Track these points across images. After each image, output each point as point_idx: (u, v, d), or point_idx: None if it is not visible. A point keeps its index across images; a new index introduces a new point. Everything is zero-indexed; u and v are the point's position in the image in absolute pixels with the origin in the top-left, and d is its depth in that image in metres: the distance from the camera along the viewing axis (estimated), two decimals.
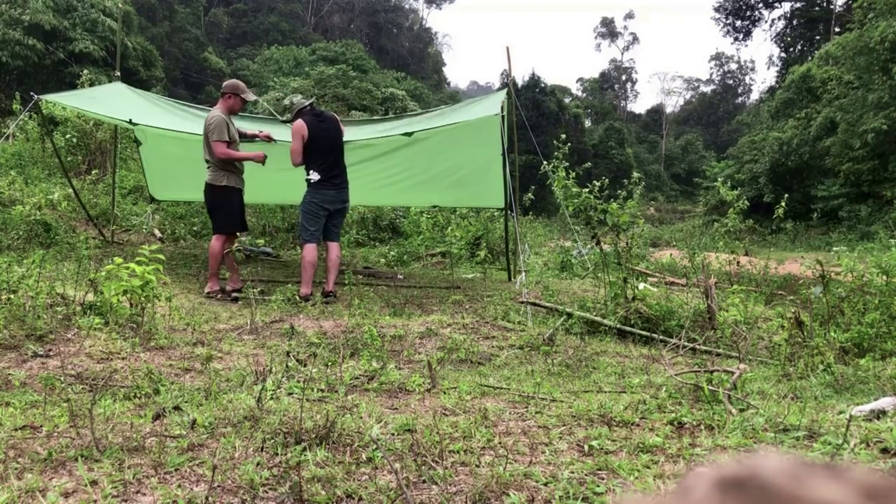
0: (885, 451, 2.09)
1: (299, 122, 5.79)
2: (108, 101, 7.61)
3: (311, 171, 5.82)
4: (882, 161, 23.33)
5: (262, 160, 5.86)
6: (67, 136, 11.15)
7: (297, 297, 5.46)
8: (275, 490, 1.84)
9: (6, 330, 3.41)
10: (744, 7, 49.84)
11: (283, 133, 6.55)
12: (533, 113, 38.59)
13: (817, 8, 42.89)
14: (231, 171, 5.84)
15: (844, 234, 22.27)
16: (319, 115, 5.90)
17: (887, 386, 3.06)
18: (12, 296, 3.77)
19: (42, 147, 11.54)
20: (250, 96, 6.06)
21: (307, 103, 5.97)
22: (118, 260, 4.08)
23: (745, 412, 2.54)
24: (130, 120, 6.91)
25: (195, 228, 10.17)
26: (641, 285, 5.90)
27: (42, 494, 1.76)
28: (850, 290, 4.60)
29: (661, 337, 4.48)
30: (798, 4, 44.16)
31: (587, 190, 5.48)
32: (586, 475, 1.97)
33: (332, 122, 5.92)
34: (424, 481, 1.92)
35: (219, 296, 5.77)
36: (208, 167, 5.83)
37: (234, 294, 5.76)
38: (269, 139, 6.23)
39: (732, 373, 2.91)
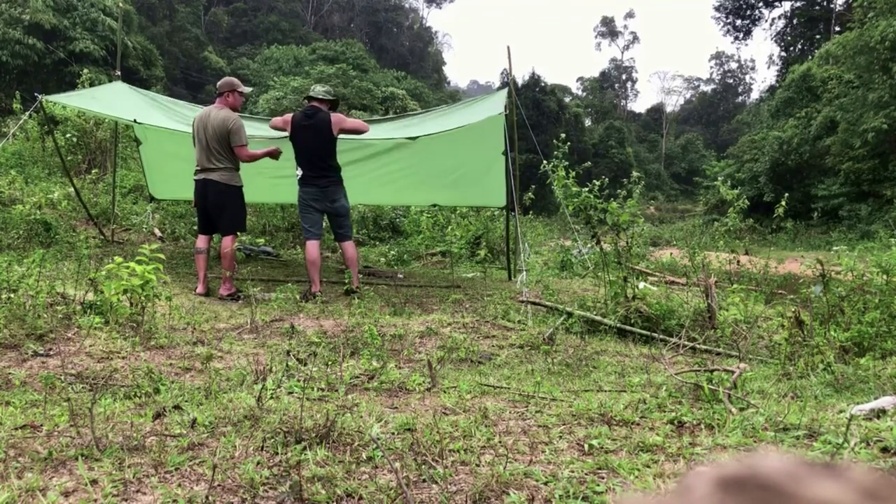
0: (885, 450, 2.09)
1: (288, 115, 6.10)
2: (109, 101, 7.61)
3: (296, 168, 5.99)
4: (882, 160, 23.34)
5: (277, 156, 6.05)
6: (67, 135, 11.14)
7: (297, 295, 5.43)
8: (275, 489, 1.84)
9: (6, 329, 3.41)
10: (744, 6, 49.84)
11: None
12: (533, 112, 38.60)
13: (817, 7, 42.88)
14: (238, 170, 5.92)
15: (844, 234, 22.28)
16: (311, 114, 5.90)
17: (887, 385, 3.05)
18: (12, 295, 3.77)
19: (42, 146, 11.54)
20: (246, 89, 6.13)
21: (327, 98, 6.05)
22: (118, 259, 4.07)
23: (745, 411, 2.54)
24: (135, 119, 6.90)
25: (195, 228, 10.15)
26: (641, 284, 5.90)
27: (42, 493, 1.76)
28: (850, 289, 4.59)
29: (661, 336, 4.48)
30: (798, 3, 44.15)
31: (587, 189, 5.47)
32: (586, 474, 1.97)
33: (321, 122, 5.87)
34: (424, 480, 1.92)
35: (239, 295, 5.71)
36: (221, 168, 5.78)
37: (238, 294, 5.75)
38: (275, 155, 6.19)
39: (732, 372, 2.92)
